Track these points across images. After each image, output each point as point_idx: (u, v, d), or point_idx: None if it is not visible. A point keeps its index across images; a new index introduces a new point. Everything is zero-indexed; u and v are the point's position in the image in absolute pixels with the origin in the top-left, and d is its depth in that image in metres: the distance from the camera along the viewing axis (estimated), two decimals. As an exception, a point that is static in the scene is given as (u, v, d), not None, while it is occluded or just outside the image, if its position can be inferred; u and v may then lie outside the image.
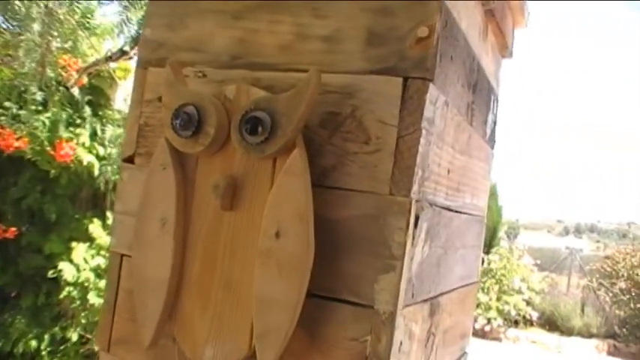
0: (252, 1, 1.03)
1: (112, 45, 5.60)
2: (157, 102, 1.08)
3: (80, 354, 6.09)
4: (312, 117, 0.92)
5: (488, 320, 13.59)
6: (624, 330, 13.45)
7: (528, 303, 14.29)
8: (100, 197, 6.14)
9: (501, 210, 16.07)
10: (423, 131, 0.89)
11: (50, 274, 5.63)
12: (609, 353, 13.21)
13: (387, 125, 0.90)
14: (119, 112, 5.80)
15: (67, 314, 5.95)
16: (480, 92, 1.28)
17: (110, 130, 5.62)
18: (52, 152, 5.33)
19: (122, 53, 4.76)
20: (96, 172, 5.57)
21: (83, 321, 5.80)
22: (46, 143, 5.33)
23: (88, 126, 5.56)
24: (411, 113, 0.89)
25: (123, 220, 1.11)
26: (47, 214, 5.81)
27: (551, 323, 14.77)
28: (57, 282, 5.65)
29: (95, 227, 5.85)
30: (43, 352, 5.79)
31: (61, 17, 4.22)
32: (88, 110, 5.55)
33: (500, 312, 13.71)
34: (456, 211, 1.18)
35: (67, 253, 5.68)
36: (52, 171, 5.54)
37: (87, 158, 5.48)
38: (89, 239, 5.82)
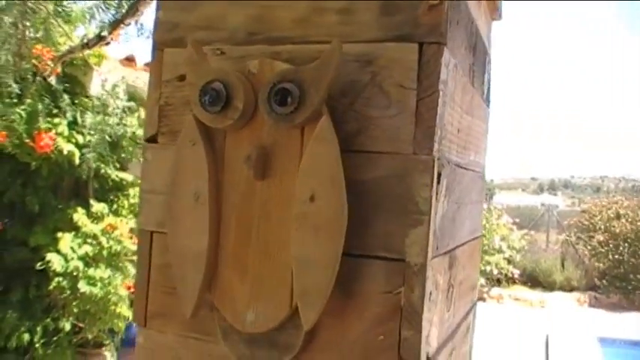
0: None
1: (83, 32, 5.56)
2: (176, 81, 1.12)
3: (74, 343, 6.12)
4: (333, 87, 0.96)
5: (471, 281, 13.79)
6: (604, 281, 13.71)
7: (509, 261, 14.49)
8: (83, 185, 6.13)
9: (476, 172, 16.26)
10: (440, 93, 0.94)
11: (38, 265, 5.63)
12: (591, 305, 13.49)
13: (407, 89, 0.95)
14: (98, 98, 5.77)
15: (58, 305, 5.97)
16: (478, 54, 1.33)
17: (90, 118, 5.60)
18: (32, 144, 5.31)
19: (99, 39, 4.74)
20: (77, 161, 5.56)
21: (75, 310, 5.82)
22: (24, 135, 5.30)
23: (67, 115, 5.54)
24: (428, 76, 0.94)
25: (150, 198, 1.15)
26: (30, 207, 5.80)
27: (533, 280, 15.01)
28: (45, 273, 5.64)
29: (80, 216, 5.84)
30: (37, 345, 5.81)
31: (33, 6, 4.19)
32: (66, 99, 5.53)
33: (482, 272, 13.90)
34: (465, 168, 1.23)
35: (53, 244, 5.68)
36: (33, 163, 5.52)
37: (67, 147, 5.47)
38: (74, 228, 5.81)
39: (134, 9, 4.27)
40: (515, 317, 12.22)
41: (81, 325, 6.01)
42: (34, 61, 5.03)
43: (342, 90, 0.98)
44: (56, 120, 5.50)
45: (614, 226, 14.42)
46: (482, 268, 13.88)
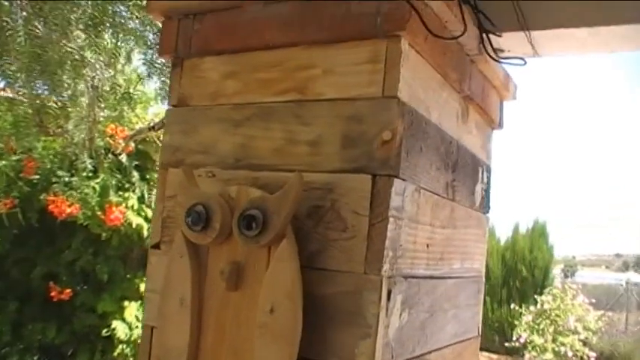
0: (250, 110, 1.24)
1: (157, 109, 5.90)
2: (177, 198, 1.29)
3: (136, 409, 6.27)
4: (300, 210, 1.11)
5: (545, 362, 13.39)
6: (687, 367, 13.13)
7: (585, 343, 14.02)
8: (150, 257, 6.37)
9: (552, 249, 15.89)
10: (391, 219, 1.07)
11: (104, 332, 5.85)
12: (672, 392, 12.90)
13: (360, 215, 1.08)
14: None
15: (122, 371, 6.16)
16: (462, 169, 1.45)
17: (157, 193, 5.87)
18: (103, 216, 5.59)
19: (163, 123, 5.02)
20: (145, 234, 5.82)
21: (137, 377, 5.98)
22: (96, 208, 5.60)
23: (136, 190, 5.84)
24: (380, 204, 1.07)
25: (152, 297, 1.31)
26: (99, 275, 6.05)
27: (611, 363, 14.47)
28: (111, 340, 5.86)
29: (146, 286, 6.06)
30: (101, 409, 6.00)
31: (107, 90, 4.51)
32: (135, 175, 5.83)
33: (556, 353, 13.48)
34: (441, 278, 1.34)
35: (119, 312, 5.91)
36: (103, 234, 5.79)
37: (136, 221, 5.74)
38: (140, 298, 6.03)
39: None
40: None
41: (142, 391, 6.16)
42: (107, 138, 5.36)
43: (308, 213, 1.12)
44: (126, 194, 5.79)
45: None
46: (557, 349, 13.48)
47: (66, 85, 4.38)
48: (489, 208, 1.69)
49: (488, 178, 1.67)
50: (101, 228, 5.71)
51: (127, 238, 5.97)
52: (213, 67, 1.31)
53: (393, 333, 1.11)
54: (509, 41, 1.46)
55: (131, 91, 4.69)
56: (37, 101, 4.65)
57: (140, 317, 5.93)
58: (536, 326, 13.96)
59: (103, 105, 4.77)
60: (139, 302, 6.02)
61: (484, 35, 1.41)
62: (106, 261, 6.15)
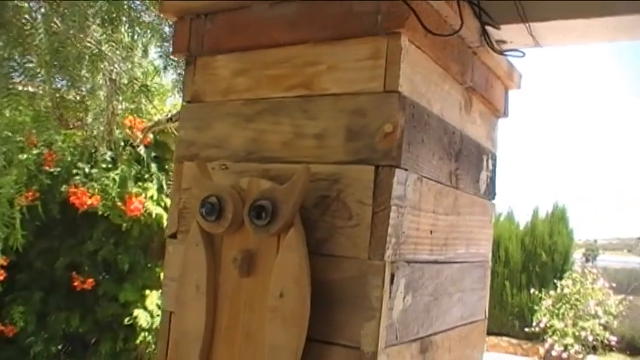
0: (260, 105, 1.30)
1: (174, 100, 5.98)
2: (192, 190, 1.36)
3: (158, 396, 6.37)
4: (307, 200, 1.18)
5: (565, 347, 13.35)
6: None
7: (606, 327, 13.96)
8: (170, 246, 6.47)
9: (572, 234, 15.83)
10: (393, 207, 1.13)
11: (126, 321, 5.97)
12: (695, 375, 12.85)
13: (364, 204, 1.14)
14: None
15: (144, 358, 6.27)
16: (466, 158, 1.50)
17: (174, 183, 5.97)
18: (123, 207, 5.70)
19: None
20: (165, 223, 5.90)
21: (159, 364, 6.08)
22: (116, 199, 5.69)
23: (155, 180, 5.93)
24: (382, 194, 1.14)
25: (169, 284, 1.38)
26: (121, 265, 6.16)
27: (632, 347, 14.40)
28: (133, 328, 5.98)
29: (166, 275, 6.16)
30: (123, 396, 6.12)
31: (123, 83, 4.58)
32: (154, 166, 5.93)
33: (576, 338, 13.44)
34: (446, 262, 1.40)
35: (141, 301, 6.02)
36: (124, 224, 5.90)
37: (155, 210, 5.84)
38: (161, 286, 6.12)
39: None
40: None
41: (164, 379, 6.27)
42: (126, 130, 5.45)
43: (315, 203, 1.19)
44: (146, 185, 5.89)
45: None
46: (577, 333, 13.47)
47: (84, 79, 4.47)
48: (495, 194, 1.75)
49: (494, 165, 1.73)
50: (121, 218, 5.81)
51: (147, 228, 6.07)
52: (224, 65, 1.38)
53: (397, 315, 1.17)
54: (510, 32, 1.51)
55: (148, 83, 4.76)
56: (57, 95, 4.74)
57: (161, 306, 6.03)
58: (556, 311, 13.94)
59: (120, 98, 4.85)
60: (160, 291, 6.12)
61: (485, 28, 1.46)
62: (127, 251, 6.25)
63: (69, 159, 5.79)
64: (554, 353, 13.42)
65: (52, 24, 3.65)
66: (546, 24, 1.46)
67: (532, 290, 14.80)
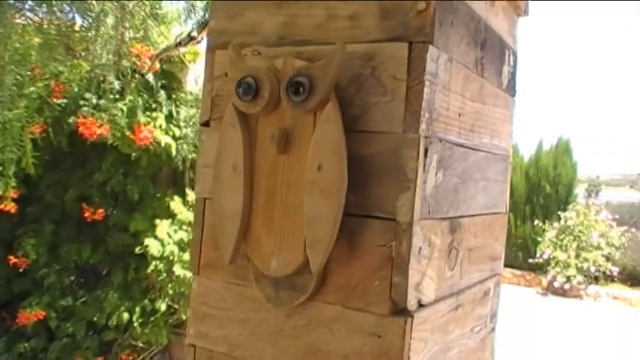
0: None
1: (179, 31, 5.96)
2: (224, 77, 1.38)
3: (169, 323, 6.52)
4: (342, 78, 1.20)
5: (568, 278, 13.55)
6: None
7: (608, 259, 14.13)
8: (179, 175, 6.54)
9: (576, 166, 15.88)
10: (427, 82, 1.16)
11: (137, 250, 6.07)
12: (696, 304, 13.03)
13: (398, 80, 1.17)
14: (191, 93, 6.17)
15: (155, 287, 6.40)
16: (490, 48, 1.52)
17: (184, 112, 6.00)
18: (132, 136, 5.72)
19: (190, 38, 5.11)
20: (173, 152, 5.95)
21: (170, 292, 6.22)
22: (125, 128, 5.72)
23: (163, 109, 5.95)
24: (416, 69, 1.16)
25: (204, 171, 1.42)
26: (130, 195, 6.24)
27: (633, 278, 14.59)
28: (144, 257, 6.08)
29: (176, 204, 6.25)
30: (135, 324, 6.27)
31: (132, 9, 4.57)
32: (162, 94, 5.93)
33: (579, 269, 13.64)
34: (472, 148, 1.44)
35: (151, 230, 6.10)
36: (133, 154, 5.94)
37: (164, 140, 5.86)
38: (171, 215, 6.22)
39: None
40: (614, 316, 11.98)
41: (176, 306, 6.41)
42: (133, 59, 5.44)
43: (349, 81, 1.22)
44: (154, 114, 5.90)
45: None
46: (580, 265, 13.65)
47: (93, 5, 4.45)
48: (516, 91, 1.77)
49: (515, 62, 1.75)
50: (131, 148, 5.84)
51: (155, 158, 6.11)
52: None
53: (430, 190, 1.21)
54: None
55: (157, 8, 4.75)
56: (64, 24, 4.72)
57: (172, 234, 6.11)
58: (560, 242, 14.11)
59: (128, 25, 4.84)
60: (170, 220, 6.20)
61: None
62: (137, 181, 6.31)
63: (76, 90, 5.78)
64: (556, 284, 13.65)
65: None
66: None
67: (536, 222, 14.95)
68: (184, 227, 6.17)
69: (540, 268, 14.37)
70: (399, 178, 1.16)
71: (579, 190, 16.84)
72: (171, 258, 5.99)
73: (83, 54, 5.49)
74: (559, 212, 14.70)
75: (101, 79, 5.41)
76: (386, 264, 1.17)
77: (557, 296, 13.59)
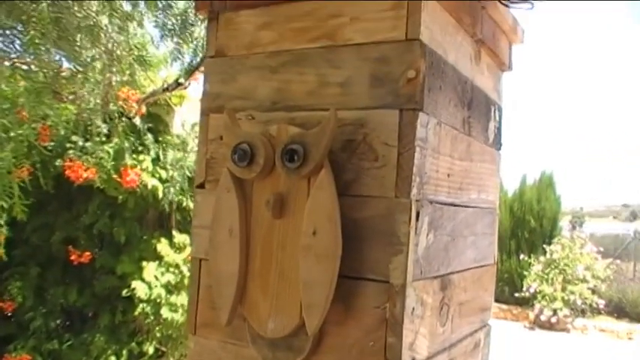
0: (284, 57, 1.36)
1: (166, 74, 6.01)
2: (219, 140, 1.42)
3: (157, 366, 6.47)
4: (335, 144, 1.24)
5: (554, 311, 13.56)
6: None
7: (594, 291, 14.16)
8: (166, 217, 6.53)
9: (560, 199, 16.00)
10: (417, 148, 1.20)
11: (124, 293, 6.02)
12: (681, 338, 13.04)
13: (390, 146, 1.21)
14: (178, 136, 6.20)
15: (143, 330, 6.35)
16: (476, 107, 1.57)
17: (171, 154, 6.03)
18: (119, 179, 5.73)
19: (177, 84, 5.17)
20: (160, 195, 5.96)
21: (158, 335, 6.18)
22: (112, 171, 5.72)
23: (150, 152, 5.97)
24: (407, 136, 1.20)
25: (199, 232, 1.44)
26: (117, 237, 6.22)
27: (620, 310, 14.62)
28: (131, 300, 6.04)
29: (163, 246, 6.24)
30: (122, 367, 6.20)
31: (119, 54, 4.62)
32: (149, 137, 5.96)
33: (565, 302, 13.66)
34: (461, 206, 1.48)
35: (138, 272, 6.07)
36: (120, 196, 5.93)
37: (151, 182, 5.87)
38: (158, 258, 6.20)
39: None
40: (601, 349, 11.98)
41: (163, 349, 6.36)
42: (120, 102, 5.47)
43: (342, 147, 1.25)
44: (141, 157, 5.92)
45: None
46: (566, 298, 13.68)
47: (82, 50, 4.49)
48: (501, 145, 1.82)
49: (500, 117, 1.80)
50: (117, 191, 5.84)
51: (142, 200, 6.11)
52: (248, 20, 1.43)
53: (422, 251, 1.24)
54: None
55: (143, 54, 4.79)
56: (52, 69, 4.75)
57: (159, 277, 6.09)
58: (546, 276, 14.14)
59: (115, 69, 4.88)
60: (157, 262, 6.18)
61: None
62: (123, 223, 6.29)
63: (62, 133, 5.79)
64: (543, 318, 13.65)
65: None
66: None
67: (521, 256, 15.00)
68: (171, 269, 6.16)
69: (527, 302, 14.37)
70: (392, 242, 1.19)
71: (563, 223, 16.94)
72: (158, 300, 5.97)
73: (70, 97, 5.51)
74: (544, 246, 14.76)
75: (88, 122, 5.42)
76: (380, 325, 1.20)
77: (544, 330, 13.58)
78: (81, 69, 4.72)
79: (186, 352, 1.46)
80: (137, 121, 5.75)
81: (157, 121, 6.25)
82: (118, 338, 6.28)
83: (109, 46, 4.38)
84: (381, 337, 1.20)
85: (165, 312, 5.94)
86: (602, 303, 14.09)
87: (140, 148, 6.01)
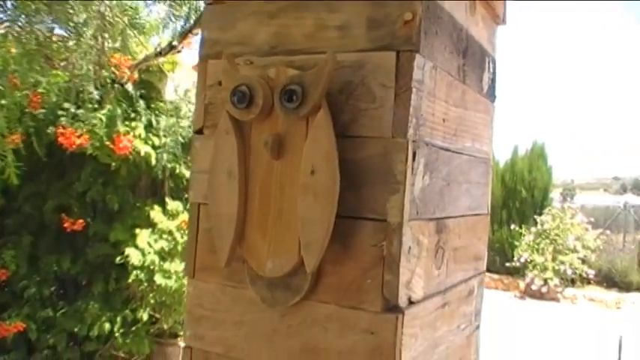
0: (283, 1, 1.37)
1: (157, 41, 5.99)
2: (217, 85, 1.43)
3: (151, 333, 6.53)
4: (332, 86, 1.25)
5: (545, 281, 13.71)
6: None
7: (584, 261, 14.32)
8: (159, 184, 6.55)
9: (551, 170, 16.09)
10: (414, 89, 1.22)
11: (117, 260, 6.07)
12: (670, 306, 13.20)
13: (387, 87, 1.23)
14: (171, 102, 6.20)
15: (136, 297, 6.40)
16: (471, 56, 1.58)
17: (163, 121, 6.03)
18: (111, 146, 5.73)
19: (171, 47, 5.15)
20: (153, 162, 5.97)
21: (152, 301, 6.24)
22: (104, 138, 5.73)
23: (143, 118, 5.96)
24: (403, 77, 1.22)
25: (198, 177, 1.46)
26: (110, 205, 6.25)
27: (609, 280, 14.79)
28: (124, 267, 6.09)
29: (156, 213, 6.26)
30: (117, 334, 6.27)
31: (112, 19, 4.59)
32: (142, 104, 5.95)
33: (556, 272, 13.81)
34: (456, 152, 1.50)
35: (131, 240, 6.10)
36: (112, 164, 5.95)
37: (144, 149, 5.88)
38: (151, 225, 6.23)
39: (200, 21, 4.63)
40: (590, 318, 12.11)
41: (157, 316, 6.41)
42: (112, 69, 5.46)
43: (340, 89, 1.27)
44: (133, 123, 5.91)
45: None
46: (557, 268, 13.82)
47: (74, 16, 4.47)
48: (495, 97, 1.83)
49: (494, 68, 1.81)
50: (110, 158, 5.85)
51: (135, 167, 6.13)
52: None
53: (418, 192, 1.26)
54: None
55: (135, 20, 4.77)
56: (43, 35, 4.73)
57: (152, 244, 6.12)
58: (537, 246, 14.28)
59: (107, 35, 4.86)
60: (150, 229, 6.20)
61: None
62: (116, 191, 6.32)
63: (54, 100, 5.78)
64: (534, 287, 13.80)
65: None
66: None
67: (512, 226, 15.12)
68: (165, 236, 6.18)
69: (518, 272, 14.52)
70: (389, 181, 1.21)
71: (554, 195, 17.05)
72: (152, 267, 6.00)
73: (62, 64, 5.48)
74: (535, 216, 14.88)
75: (80, 89, 5.41)
76: (378, 263, 1.22)
77: (534, 299, 13.74)
78: (72, 34, 4.69)
79: (185, 296, 1.48)
80: (130, 87, 5.73)
81: (149, 87, 6.24)
82: (111, 305, 6.33)
83: (102, 9, 4.35)
84: (378, 275, 1.22)
85: (158, 279, 5.98)
86: (591, 273, 14.26)
87: (133, 115, 6.00)
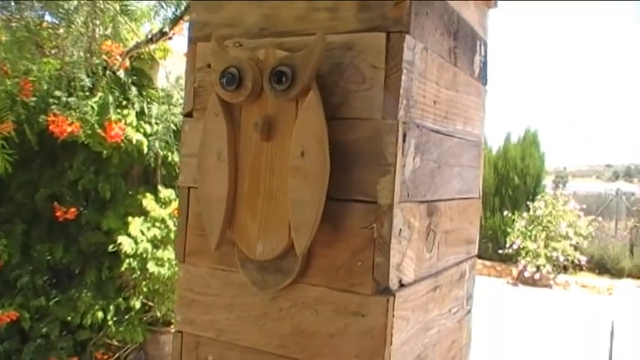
0: None
1: (148, 28, 5.96)
2: (207, 68, 1.42)
3: (144, 321, 6.52)
4: (322, 67, 1.24)
5: (537, 268, 13.75)
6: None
7: (576, 248, 14.37)
8: (151, 172, 6.53)
9: (544, 157, 16.11)
10: (404, 70, 1.21)
11: (110, 248, 6.05)
12: (661, 292, 13.26)
13: (377, 69, 1.22)
14: (162, 90, 6.17)
15: (129, 285, 6.40)
16: (462, 38, 1.58)
17: (155, 108, 6.00)
18: (103, 134, 5.69)
19: (162, 34, 5.13)
20: (145, 149, 5.94)
21: (144, 289, 6.22)
22: (96, 126, 5.69)
23: (135, 106, 5.94)
24: (394, 58, 1.21)
25: (187, 161, 1.45)
26: (102, 193, 6.22)
27: (601, 266, 14.85)
28: (117, 256, 6.06)
29: (148, 201, 6.24)
30: (110, 322, 6.26)
31: (102, 6, 4.56)
32: (133, 91, 5.92)
33: (548, 259, 13.86)
34: (447, 135, 1.49)
35: (124, 228, 6.08)
36: (104, 152, 5.91)
37: (136, 137, 5.85)
38: (143, 213, 6.21)
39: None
40: (582, 304, 12.17)
41: (150, 304, 6.41)
42: (104, 56, 5.42)
43: (330, 70, 1.26)
44: (125, 111, 5.88)
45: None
46: (549, 254, 13.87)
47: (63, 4, 4.44)
48: (487, 80, 1.83)
49: (486, 52, 1.80)
50: (102, 146, 5.81)
51: (127, 155, 6.09)
52: None
53: (409, 174, 1.26)
54: None
55: (126, 6, 4.74)
56: (32, 22, 4.70)
57: (145, 232, 6.11)
58: (529, 232, 14.32)
59: (98, 22, 4.83)
60: (142, 218, 6.19)
61: None
62: (108, 179, 6.29)
63: (45, 88, 5.74)
64: (526, 274, 13.85)
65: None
66: None
67: (505, 213, 15.14)
68: (157, 224, 6.17)
69: (510, 259, 14.56)
70: (380, 163, 1.21)
71: (547, 182, 17.10)
72: (144, 255, 5.99)
73: (53, 51, 5.45)
74: (528, 203, 14.91)
75: (71, 76, 5.38)
76: (368, 245, 1.21)
77: (527, 286, 13.78)
78: (63, 21, 4.66)
79: (176, 279, 1.48)
80: (121, 74, 5.70)
81: (140, 75, 6.21)
82: (104, 294, 6.32)
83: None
84: (368, 258, 1.22)
85: (151, 267, 5.97)
86: (583, 259, 14.32)
87: (124, 103, 5.97)
